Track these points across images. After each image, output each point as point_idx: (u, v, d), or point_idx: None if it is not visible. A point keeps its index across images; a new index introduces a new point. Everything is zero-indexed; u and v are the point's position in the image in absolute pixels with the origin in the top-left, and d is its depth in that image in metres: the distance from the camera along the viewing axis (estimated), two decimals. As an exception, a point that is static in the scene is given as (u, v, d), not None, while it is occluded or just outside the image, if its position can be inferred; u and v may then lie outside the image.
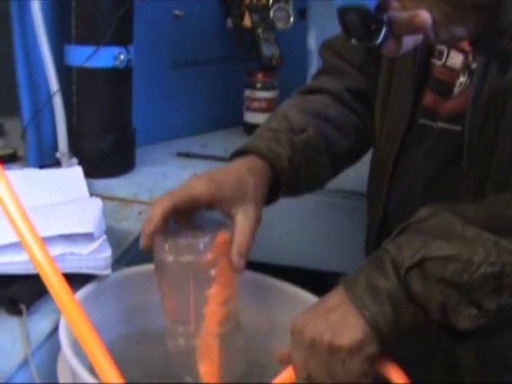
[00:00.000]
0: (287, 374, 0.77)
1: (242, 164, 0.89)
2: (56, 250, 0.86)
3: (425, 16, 0.67)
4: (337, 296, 0.73)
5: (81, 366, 0.71)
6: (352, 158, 1.07)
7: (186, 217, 0.86)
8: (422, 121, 0.94)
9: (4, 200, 0.65)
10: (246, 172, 0.87)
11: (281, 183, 0.92)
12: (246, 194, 0.85)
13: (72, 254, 0.87)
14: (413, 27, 0.68)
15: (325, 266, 1.36)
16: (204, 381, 0.84)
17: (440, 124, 0.91)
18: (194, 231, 0.84)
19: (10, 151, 1.39)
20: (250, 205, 0.85)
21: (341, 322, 0.71)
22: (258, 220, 0.85)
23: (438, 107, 0.92)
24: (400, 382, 0.72)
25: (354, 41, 0.70)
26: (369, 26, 0.66)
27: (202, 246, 0.81)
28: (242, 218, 0.84)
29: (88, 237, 0.89)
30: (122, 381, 0.63)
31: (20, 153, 1.40)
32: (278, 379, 0.77)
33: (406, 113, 0.95)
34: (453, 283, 0.69)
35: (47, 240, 0.82)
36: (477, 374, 0.93)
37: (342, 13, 0.67)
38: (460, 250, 0.69)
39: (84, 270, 0.87)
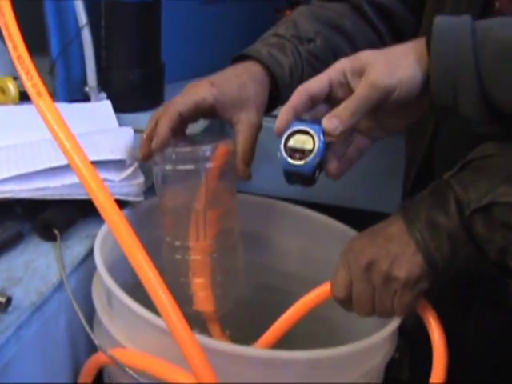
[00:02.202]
0: (319, 291, 0.77)
1: (241, 70, 0.87)
2: (89, 176, 0.86)
3: None
4: (395, 226, 0.72)
5: (117, 285, 0.71)
6: None
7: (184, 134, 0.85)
8: None
9: (51, 123, 0.66)
10: (246, 78, 0.85)
11: (280, 93, 0.89)
12: (248, 100, 0.84)
13: (106, 179, 0.86)
14: None
15: (359, 204, 1.35)
16: (199, 305, 0.84)
17: None
18: (194, 144, 0.83)
19: (38, 87, 1.38)
20: (251, 111, 0.84)
21: (400, 253, 0.70)
22: (259, 127, 0.84)
23: None
24: (432, 322, 0.74)
25: None
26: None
27: (201, 154, 0.80)
28: (245, 126, 0.83)
29: (120, 164, 0.89)
30: (166, 289, 0.62)
31: (48, 89, 1.38)
32: (310, 295, 0.77)
33: None
34: None
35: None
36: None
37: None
38: None
39: (117, 196, 0.86)
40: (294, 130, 0.71)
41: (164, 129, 0.80)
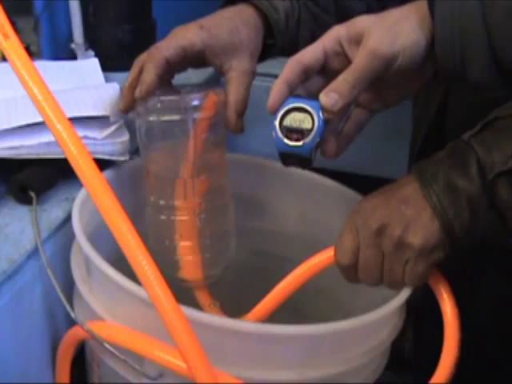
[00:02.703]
0: (322, 257, 0.69)
1: (233, 13, 0.79)
2: (69, 133, 0.78)
3: None
4: (410, 188, 0.64)
5: (96, 253, 0.64)
6: None
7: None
8: None
9: (18, 66, 0.59)
10: (238, 22, 0.77)
11: (275, 39, 0.82)
12: (240, 45, 0.76)
13: (86, 137, 0.78)
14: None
15: (362, 169, 1.27)
16: (186, 271, 0.77)
17: None
18: (181, 93, 0.75)
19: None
20: (244, 57, 0.76)
21: (415, 218, 0.63)
22: (252, 74, 0.77)
23: None
24: (445, 294, 0.67)
25: None
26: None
27: (189, 104, 0.72)
28: (237, 73, 0.76)
29: (103, 121, 0.81)
30: (148, 256, 0.56)
31: (34, 49, 1.31)
32: (311, 261, 0.70)
33: None
34: None
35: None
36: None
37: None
38: None
39: (100, 156, 0.78)
40: (289, 107, 0.64)
41: (150, 76, 0.73)
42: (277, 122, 0.65)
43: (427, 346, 0.76)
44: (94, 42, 1.23)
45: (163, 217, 0.75)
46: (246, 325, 0.64)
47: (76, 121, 0.80)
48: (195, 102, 0.72)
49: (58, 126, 0.59)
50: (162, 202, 0.75)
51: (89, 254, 0.64)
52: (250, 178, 0.90)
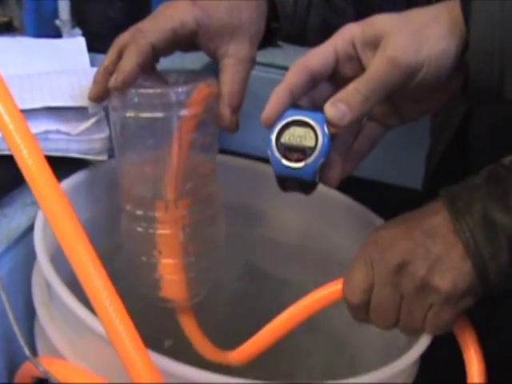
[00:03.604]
0: (328, 291, 0.58)
1: None
2: (38, 126, 0.67)
3: None
4: (438, 218, 0.53)
5: (58, 278, 0.53)
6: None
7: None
8: None
9: None
10: (239, 1, 0.66)
11: (280, 24, 0.71)
12: (239, 27, 0.65)
13: (58, 132, 0.67)
14: None
15: (372, 174, 1.15)
16: (167, 291, 0.66)
17: None
18: (166, 84, 0.64)
19: (4, 19, 1.19)
20: (243, 42, 0.65)
21: (443, 256, 0.52)
22: (251, 63, 0.66)
23: None
24: (472, 348, 0.57)
25: None
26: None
27: (174, 98, 0.61)
28: (233, 59, 0.65)
29: (82, 112, 0.70)
30: (116, 296, 0.45)
31: (17, 24, 1.20)
32: (315, 294, 0.59)
33: None
34: None
35: (28, 114, 0.63)
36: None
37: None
38: None
39: (73, 154, 0.68)
40: (288, 120, 0.54)
41: (130, 64, 0.61)
42: (273, 138, 0.54)
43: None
44: (81, 20, 1.11)
45: (140, 229, 0.64)
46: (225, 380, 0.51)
47: (49, 111, 0.69)
48: (182, 97, 0.60)
49: (6, 118, 0.47)
50: (139, 212, 0.64)
51: (48, 276, 0.53)
52: (244, 184, 0.79)
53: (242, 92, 0.65)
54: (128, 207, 0.64)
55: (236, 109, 0.65)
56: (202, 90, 0.62)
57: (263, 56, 0.72)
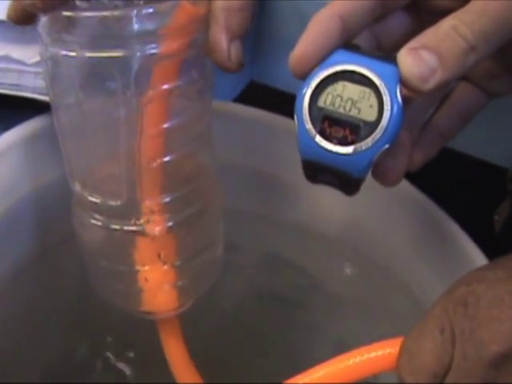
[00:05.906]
0: (377, 352, 0.37)
1: None
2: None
3: None
4: None
5: None
6: None
7: None
8: None
9: None
10: None
11: None
12: None
13: (7, 59, 0.48)
14: None
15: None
16: (147, 303, 0.48)
17: None
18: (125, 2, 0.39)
19: None
20: None
21: None
22: None
23: None
24: None
25: None
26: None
27: (137, 24, 0.37)
28: None
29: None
30: None
31: None
32: (353, 354, 0.38)
33: None
34: None
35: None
36: None
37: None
38: None
39: (26, 93, 0.49)
40: (335, 69, 0.34)
41: None
42: (306, 97, 0.34)
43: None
44: None
45: (95, 221, 0.44)
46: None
47: None
48: (151, 23, 0.37)
49: None
50: (94, 199, 0.43)
51: None
52: (265, 147, 0.54)
53: (247, 8, 0.42)
54: (78, 188, 0.43)
55: (236, 34, 0.42)
56: (183, 10, 0.38)
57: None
